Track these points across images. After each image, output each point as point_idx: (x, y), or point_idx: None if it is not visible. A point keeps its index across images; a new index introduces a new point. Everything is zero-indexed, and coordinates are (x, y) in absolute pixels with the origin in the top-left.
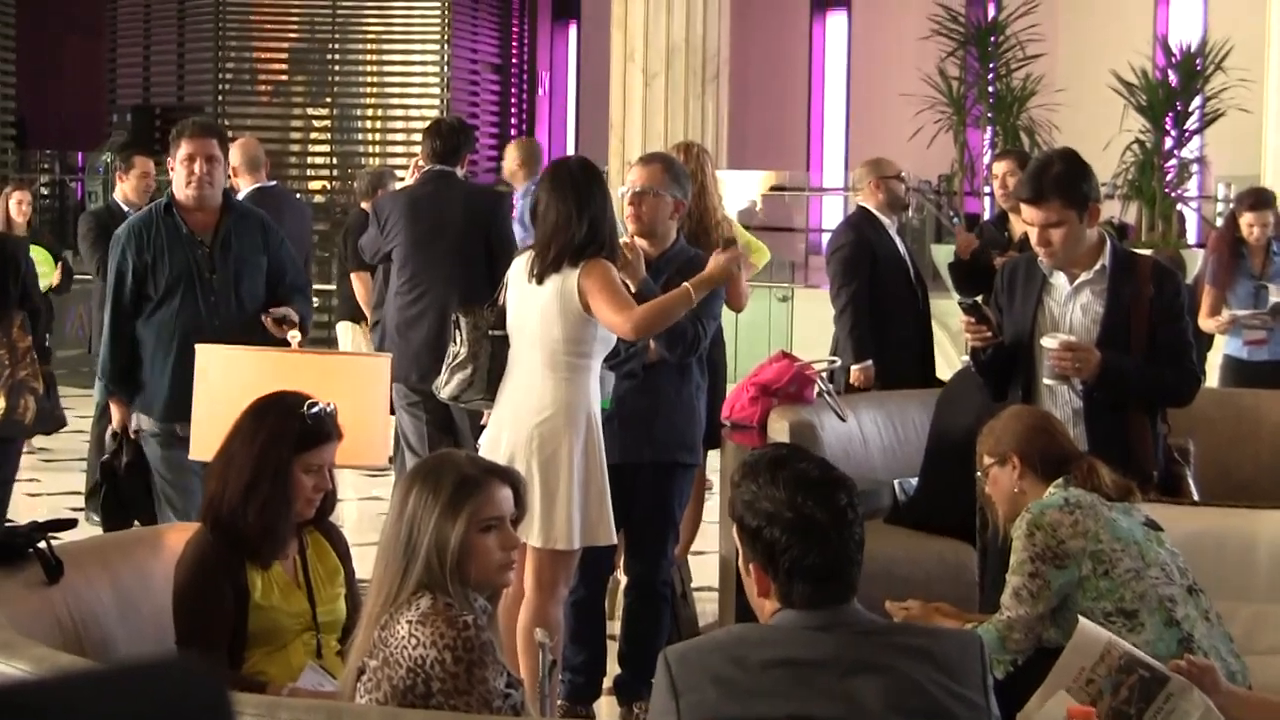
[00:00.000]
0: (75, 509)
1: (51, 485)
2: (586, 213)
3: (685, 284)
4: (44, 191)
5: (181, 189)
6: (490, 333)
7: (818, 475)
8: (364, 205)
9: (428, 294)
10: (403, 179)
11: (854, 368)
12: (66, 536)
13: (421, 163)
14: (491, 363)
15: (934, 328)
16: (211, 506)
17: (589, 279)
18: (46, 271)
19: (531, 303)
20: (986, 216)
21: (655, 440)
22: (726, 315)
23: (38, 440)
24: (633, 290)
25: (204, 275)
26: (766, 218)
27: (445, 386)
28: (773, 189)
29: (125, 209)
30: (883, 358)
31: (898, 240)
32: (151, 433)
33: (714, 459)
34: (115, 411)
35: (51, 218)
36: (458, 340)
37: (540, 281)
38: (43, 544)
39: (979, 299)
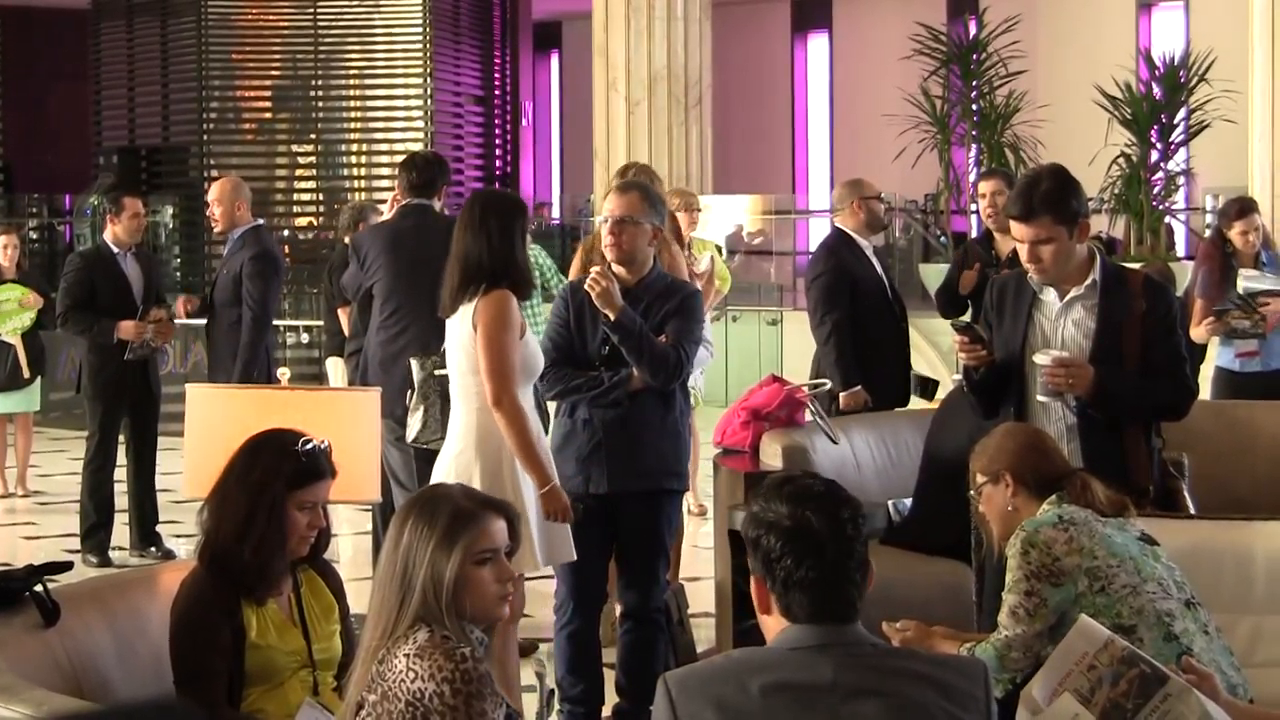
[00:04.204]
0: (71, 551)
1: (47, 528)
2: (479, 243)
3: (555, 483)
4: (33, 235)
5: None
6: (435, 373)
7: (821, 490)
8: (346, 240)
9: (411, 327)
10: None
11: (843, 394)
12: (63, 579)
13: (399, 197)
14: (442, 402)
15: (925, 347)
16: (207, 544)
17: (481, 316)
18: (17, 310)
19: (450, 335)
20: (973, 235)
21: (642, 468)
22: (718, 340)
23: (32, 484)
24: (611, 319)
25: None
26: (760, 242)
27: (407, 430)
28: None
29: (115, 250)
30: (867, 378)
31: (875, 260)
32: None
33: (707, 485)
34: None
35: (41, 261)
36: (412, 384)
37: (447, 314)
38: (39, 587)
39: (968, 320)
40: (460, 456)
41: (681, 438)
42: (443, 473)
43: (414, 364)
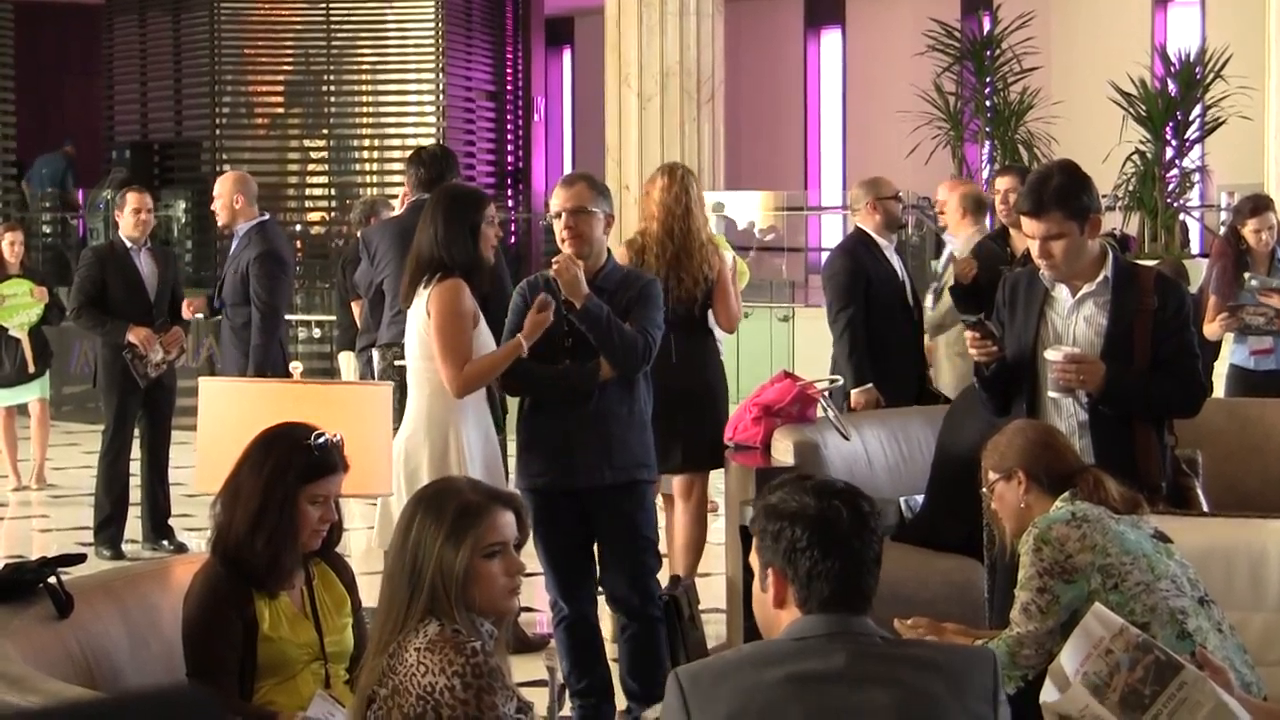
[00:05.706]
0: (84, 544)
1: (61, 520)
2: (433, 235)
3: (518, 335)
4: (45, 230)
5: None
6: (395, 363)
7: (843, 485)
8: (359, 235)
9: None
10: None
11: (854, 391)
12: (76, 571)
13: (409, 192)
14: (401, 392)
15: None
16: (219, 538)
17: (433, 303)
18: (27, 304)
19: (409, 324)
20: (987, 232)
21: (612, 461)
22: (729, 337)
23: (48, 476)
24: (577, 307)
25: None
26: (772, 239)
27: None
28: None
29: (129, 245)
30: (880, 378)
31: (895, 260)
32: None
33: (718, 479)
34: None
35: (53, 256)
36: (373, 374)
37: (406, 305)
38: (52, 579)
39: (981, 316)
40: (411, 439)
41: (648, 428)
42: (395, 455)
43: (374, 354)
